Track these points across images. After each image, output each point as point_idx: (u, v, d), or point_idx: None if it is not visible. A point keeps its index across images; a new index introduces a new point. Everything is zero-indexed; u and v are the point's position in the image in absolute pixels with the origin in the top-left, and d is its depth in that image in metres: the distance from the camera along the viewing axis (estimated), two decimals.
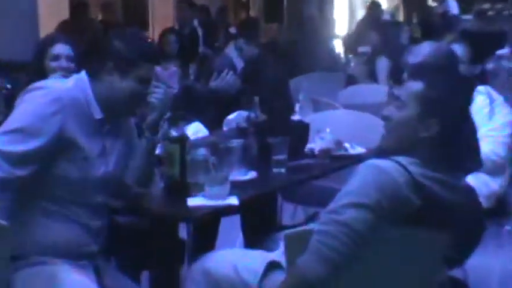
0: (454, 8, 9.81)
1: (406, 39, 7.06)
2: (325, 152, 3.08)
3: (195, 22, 8.21)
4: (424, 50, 2.84)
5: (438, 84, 1.99)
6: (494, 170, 3.12)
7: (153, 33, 9.60)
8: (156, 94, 2.38)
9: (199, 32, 7.96)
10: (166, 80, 5.89)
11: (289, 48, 7.10)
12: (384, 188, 1.84)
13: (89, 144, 2.23)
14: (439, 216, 1.90)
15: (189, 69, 6.00)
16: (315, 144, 3.15)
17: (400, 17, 13.22)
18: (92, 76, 2.28)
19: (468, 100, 2.09)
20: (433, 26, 8.41)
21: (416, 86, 1.98)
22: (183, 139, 2.51)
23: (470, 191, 2.03)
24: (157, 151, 2.54)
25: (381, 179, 1.85)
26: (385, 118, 2.04)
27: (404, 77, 2.42)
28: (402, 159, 1.91)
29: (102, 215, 2.33)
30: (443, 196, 1.91)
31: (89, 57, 2.38)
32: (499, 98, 3.23)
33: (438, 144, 1.96)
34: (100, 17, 8.09)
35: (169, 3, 9.54)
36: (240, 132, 3.34)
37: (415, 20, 9.86)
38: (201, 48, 7.56)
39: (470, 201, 2.01)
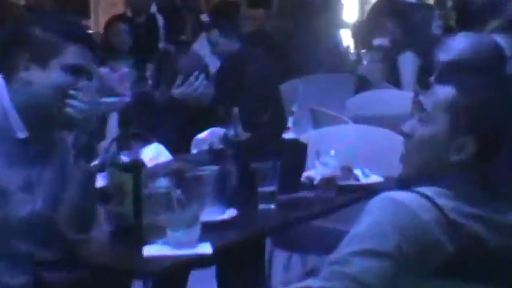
0: None
1: (438, 29, 7.14)
2: (329, 182, 3.10)
3: (153, 7, 8.26)
4: (458, 44, 2.88)
5: (477, 89, 2.01)
6: None
7: (97, 22, 9.62)
8: (75, 102, 2.29)
9: (159, 20, 7.99)
10: (114, 85, 5.92)
11: (280, 42, 7.15)
12: (405, 229, 1.86)
13: (7, 174, 2.23)
14: (480, 265, 1.91)
15: (145, 71, 6.03)
16: (315, 171, 3.17)
17: None
18: (8, 78, 2.29)
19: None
20: (473, 10, 8.51)
21: (446, 92, 2.01)
22: (137, 166, 2.52)
23: None
24: (101, 183, 2.55)
25: (400, 217, 1.87)
26: (405, 136, 2.06)
27: (432, 81, 2.46)
28: (429, 190, 1.93)
29: (26, 269, 2.33)
30: (486, 238, 1.92)
31: (7, 52, 2.35)
32: None
33: (476, 170, 1.98)
34: (23, 2, 8.12)
35: None
36: (214, 155, 3.35)
37: (450, 3, 9.96)
38: (161, 43, 7.60)
39: None
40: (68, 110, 2.28)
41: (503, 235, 1.95)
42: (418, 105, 2.05)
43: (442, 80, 2.05)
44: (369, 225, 1.88)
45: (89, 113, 2.33)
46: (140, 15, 7.70)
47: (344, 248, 1.89)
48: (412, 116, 2.08)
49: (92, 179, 2.43)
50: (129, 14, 7.81)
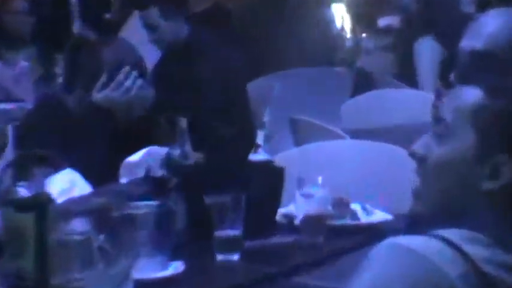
0: None
1: (470, 4, 7.23)
2: (316, 222, 3.13)
3: None
4: (488, 27, 2.93)
5: None
6: None
7: None
8: None
9: None
10: (9, 86, 5.92)
11: (246, 23, 7.19)
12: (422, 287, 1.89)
13: None
14: None
15: (53, 65, 6.04)
16: (296, 206, 3.20)
17: None
18: None
19: None
20: None
21: (471, 94, 2.04)
22: (41, 203, 2.53)
23: None
24: None
25: (415, 271, 1.89)
26: (417, 159, 2.08)
27: (452, 79, 2.49)
28: (453, 234, 1.95)
29: None
30: None
31: None
32: None
33: None
34: None
35: None
36: (152, 186, 3.37)
37: None
38: (76, 26, 7.59)
39: None
40: None
41: None
42: (435, 114, 2.07)
43: (465, 78, 2.07)
44: (372, 282, 1.90)
45: None
46: None
47: None
48: (433, 129, 2.10)
49: None
50: None
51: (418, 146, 2.06)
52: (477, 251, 1.93)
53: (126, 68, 4.09)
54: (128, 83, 4.08)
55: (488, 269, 1.92)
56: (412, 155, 2.06)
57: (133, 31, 6.06)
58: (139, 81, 4.11)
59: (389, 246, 1.94)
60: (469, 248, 1.93)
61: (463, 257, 1.91)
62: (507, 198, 2.00)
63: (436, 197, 2.04)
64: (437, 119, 2.04)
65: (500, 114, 1.99)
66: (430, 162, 2.03)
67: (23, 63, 6.03)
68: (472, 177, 1.99)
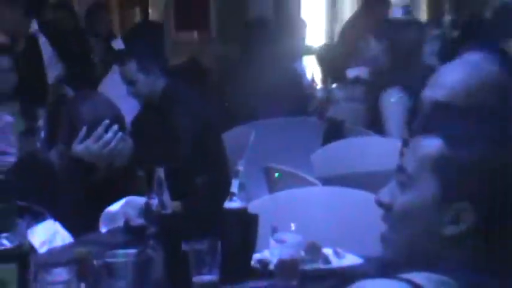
0: None
1: (432, 54, 7.26)
2: (289, 267, 3.12)
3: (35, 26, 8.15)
4: (448, 78, 2.94)
5: (471, 140, 2.02)
6: None
7: None
8: None
9: (43, 44, 7.88)
10: None
11: (221, 76, 7.21)
12: None
13: None
14: None
15: (36, 119, 6.03)
16: (271, 252, 3.19)
17: (423, 14, 13.60)
18: None
19: None
20: (481, 25, 8.66)
21: (431, 144, 2.03)
22: (23, 253, 2.51)
23: None
24: None
25: None
26: (384, 207, 2.07)
27: (415, 128, 2.48)
28: (423, 278, 1.94)
29: None
30: None
31: None
32: None
33: (480, 245, 2.00)
34: None
35: None
36: (131, 235, 3.36)
37: (448, 19, 10.15)
38: (52, 77, 7.54)
39: None
40: None
41: None
42: (398, 163, 2.06)
43: (427, 127, 2.06)
44: None
45: None
46: (18, 40, 7.57)
47: None
48: (396, 178, 2.09)
49: None
50: (5, 40, 7.80)
51: (383, 194, 2.06)
52: None
53: (106, 122, 4.08)
54: (107, 136, 4.07)
55: None
56: (378, 203, 2.07)
57: (112, 84, 6.06)
58: (119, 134, 4.11)
59: None
60: None
61: None
62: (469, 242, 2.00)
63: (402, 243, 2.04)
64: (400, 168, 2.04)
65: (461, 164, 1.99)
66: (396, 209, 2.04)
67: (8, 118, 6.02)
68: (435, 223, 1.99)
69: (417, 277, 1.93)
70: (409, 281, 1.92)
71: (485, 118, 2.12)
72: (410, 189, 2.02)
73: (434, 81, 2.99)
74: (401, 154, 2.23)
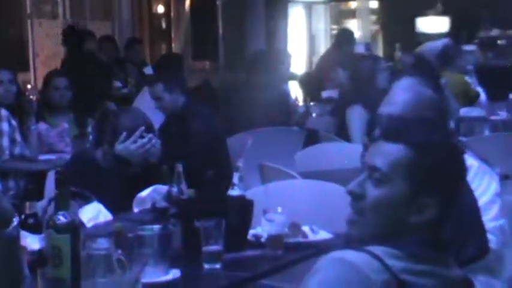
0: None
1: (385, 81, 7.25)
2: (276, 240, 3.11)
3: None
4: (400, 97, 2.93)
5: (432, 147, 1.99)
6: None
7: (35, 76, 9.59)
8: None
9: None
10: (53, 141, 5.88)
11: (227, 96, 7.20)
12: None
13: None
14: None
15: (86, 127, 6.02)
16: (262, 228, 3.18)
17: (379, 50, 13.60)
18: None
19: (464, 166, 2.11)
20: (421, 60, 8.67)
21: (399, 151, 1.96)
22: (75, 227, 2.50)
23: (469, 285, 2.06)
24: (36, 245, 2.51)
25: (349, 278, 1.86)
26: (354, 195, 2.02)
27: (377, 135, 2.46)
28: (378, 250, 1.92)
29: None
30: None
31: None
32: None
33: (433, 230, 1.98)
34: None
35: (57, 36, 9.59)
36: (157, 214, 3.34)
37: (398, 55, 10.15)
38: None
39: None
40: None
41: None
42: (368, 163, 2.02)
43: (389, 137, 2.02)
44: (317, 286, 1.87)
45: None
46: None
47: None
48: (361, 173, 2.05)
49: (7, 247, 2.33)
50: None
51: (354, 186, 2.01)
52: (396, 264, 1.90)
53: (142, 128, 4.07)
54: (144, 140, 4.06)
55: (404, 276, 1.90)
56: (350, 192, 2.02)
57: (144, 100, 6.05)
58: (151, 138, 4.10)
59: (330, 258, 1.92)
60: (390, 262, 1.90)
61: (385, 268, 1.89)
62: (425, 227, 1.98)
63: (373, 227, 1.99)
64: (374, 168, 1.99)
65: (427, 168, 1.96)
66: (369, 200, 1.98)
67: (64, 125, 6.00)
68: (403, 213, 1.96)
69: (375, 250, 1.92)
70: (369, 252, 1.91)
71: (434, 128, 2.10)
72: (385, 185, 1.97)
73: (387, 100, 2.98)
74: (362, 156, 2.20)
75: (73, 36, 8.28)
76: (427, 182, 1.96)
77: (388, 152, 1.98)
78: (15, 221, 2.28)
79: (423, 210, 1.96)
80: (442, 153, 1.99)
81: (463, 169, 2.04)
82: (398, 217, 1.96)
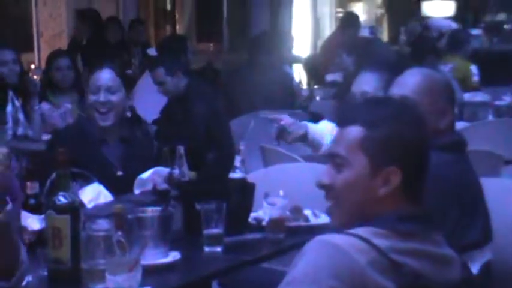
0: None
1: None
2: (278, 223, 3.10)
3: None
4: (412, 78, 2.93)
5: (381, 120, 2.01)
6: None
7: (39, 56, 9.58)
8: None
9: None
10: (56, 122, 5.88)
11: (231, 77, 7.19)
12: (341, 273, 1.86)
13: None
14: None
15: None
16: (263, 212, 3.17)
17: (384, 34, 13.57)
18: None
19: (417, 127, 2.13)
20: (428, 44, 8.66)
21: (353, 131, 2.01)
22: (75, 208, 2.50)
23: (456, 261, 2.05)
24: (37, 225, 2.52)
25: (335, 260, 1.87)
26: (326, 188, 2.04)
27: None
28: (366, 231, 1.93)
29: None
30: (428, 272, 1.94)
31: None
32: None
33: (406, 202, 2.00)
34: None
35: (61, 16, 9.57)
36: (157, 196, 3.34)
37: (403, 39, 10.14)
38: None
39: (463, 276, 2.04)
40: None
41: (444, 267, 1.97)
42: (330, 152, 2.04)
43: (341, 123, 2.05)
44: (304, 269, 1.88)
45: None
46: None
47: None
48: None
49: (4, 229, 2.31)
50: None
51: (322, 178, 2.04)
52: (383, 243, 1.92)
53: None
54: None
55: (392, 255, 1.91)
56: (320, 185, 2.05)
57: (147, 83, 6.03)
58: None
59: (318, 241, 1.94)
60: (377, 241, 1.91)
61: (371, 248, 1.90)
62: (397, 199, 2.00)
63: (348, 211, 2.03)
64: (333, 154, 2.02)
65: (379, 140, 1.99)
66: (337, 188, 2.02)
67: (67, 105, 5.99)
68: (371, 188, 2.00)
69: (361, 231, 1.95)
70: (354, 234, 1.93)
71: (386, 105, 2.10)
72: (346, 168, 2.00)
73: (398, 82, 2.98)
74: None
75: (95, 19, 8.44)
76: (383, 151, 1.99)
77: (343, 137, 2.02)
78: (9, 205, 2.27)
79: (389, 179, 1.99)
80: (393, 125, 2.00)
81: (415, 129, 2.05)
82: (368, 194, 2.00)
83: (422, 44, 8.65)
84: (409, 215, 1.99)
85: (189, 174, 3.42)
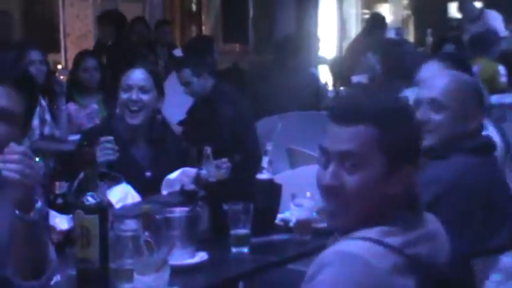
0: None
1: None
2: (304, 225, 3.10)
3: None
4: (441, 80, 2.93)
5: (398, 125, 1.94)
6: None
7: (66, 56, 9.64)
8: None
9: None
10: (82, 122, 5.91)
11: (256, 78, 7.19)
12: (366, 284, 1.82)
13: None
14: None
15: (115, 108, 6.02)
16: (291, 213, 3.17)
17: (411, 35, 13.51)
18: None
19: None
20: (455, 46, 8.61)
21: (371, 132, 1.91)
22: (103, 208, 2.51)
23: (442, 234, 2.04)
24: (65, 225, 2.53)
25: (359, 271, 1.81)
26: (331, 189, 1.92)
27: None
28: (376, 233, 1.88)
29: None
30: (433, 255, 1.91)
31: None
32: None
33: (407, 195, 1.95)
34: None
35: (88, 17, 9.63)
36: (185, 197, 3.35)
37: (430, 40, 10.08)
38: None
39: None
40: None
41: (435, 243, 1.95)
42: (338, 150, 1.93)
43: (348, 121, 1.92)
44: (329, 285, 1.82)
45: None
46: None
47: None
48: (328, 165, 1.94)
49: (31, 229, 2.25)
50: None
51: (329, 179, 1.93)
52: (394, 241, 1.88)
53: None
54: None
55: (406, 251, 1.87)
56: (326, 187, 1.93)
57: (173, 84, 6.04)
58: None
59: (335, 254, 1.86)
60: (388, 240, 1.87)
61: (388, 250, 1.85)
62: (402, 194, 1.94)
63: (353, 214, 1.93)
64: (347, 153, 1.91)
65: (397, 144, 1.92)
66: (349, 189, 1.91)
67: (93, 106, 6.02)
68: (383, 187, 1.92)
69: (371, 233, 1.89)
70: (371, 239, 1.87)
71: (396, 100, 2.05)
72: (362, 168, 1.91)
73: (426, 84, 2.97)
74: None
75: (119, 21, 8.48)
76: (400, 150, 1.92)
77: (354, 136, 1.91)
78: (39, 204, 2.27)
79: (404, 179, 1.93)
80: (401, 119, 1.95)
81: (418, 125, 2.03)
82: (380, 195, 1.92)
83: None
84: (409, 205, 1.94)
85: (217, 175, 3.43)
